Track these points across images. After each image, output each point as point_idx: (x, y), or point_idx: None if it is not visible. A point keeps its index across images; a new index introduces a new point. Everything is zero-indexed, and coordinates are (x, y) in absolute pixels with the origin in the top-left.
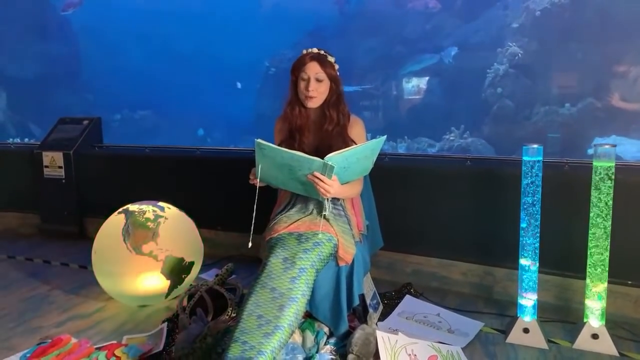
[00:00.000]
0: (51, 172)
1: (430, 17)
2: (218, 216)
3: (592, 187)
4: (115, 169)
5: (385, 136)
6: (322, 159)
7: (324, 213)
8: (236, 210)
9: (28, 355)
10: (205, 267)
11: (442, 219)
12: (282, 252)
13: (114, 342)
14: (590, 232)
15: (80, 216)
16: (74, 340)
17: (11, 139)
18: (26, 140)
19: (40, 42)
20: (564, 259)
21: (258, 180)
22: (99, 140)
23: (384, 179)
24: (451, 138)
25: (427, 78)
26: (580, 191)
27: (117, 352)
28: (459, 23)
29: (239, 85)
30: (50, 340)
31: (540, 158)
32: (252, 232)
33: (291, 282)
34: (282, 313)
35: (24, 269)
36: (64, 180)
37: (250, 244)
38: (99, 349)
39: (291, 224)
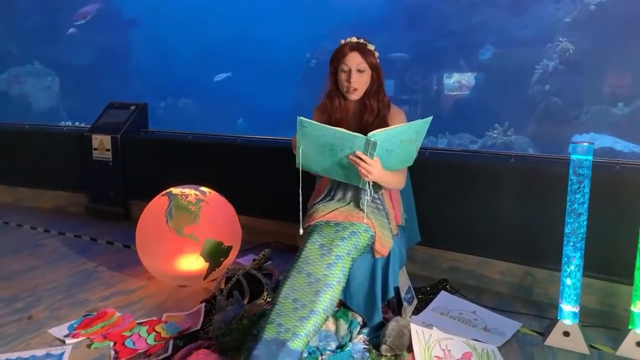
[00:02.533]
0: (99, 155)
1: (477, 10)
2: (256, 203)
3: None
4: (159, 153)
5: (432, 117)
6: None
7: (364, 197)
8: (273, 199)
9: (75, 325)
10: (242, 253)
11: (482, 216)
12: (319, 239)
13: (155, 318)
14: None
15: (125, 198)
16: (117, 314)
17: (63, 122)
18: (77, 123)
19: (92, 30)
20: (610, 262)
21: (301, 166)
22: (144, 125)
23: (424, 173)
24: (494, 135)
25: (470, 73)
26: (632, 193)
27: (157, 327)
28: (506, 16)
29: (220, 77)
30: (95, 313)
31: (590, 157)
32: (301, 218)
33: (327, 269)
34: (318, 298)
35: (72, 246)
36: (111, 163)
37: (301, 231)
38: (140, 323)
39: (329, 212)
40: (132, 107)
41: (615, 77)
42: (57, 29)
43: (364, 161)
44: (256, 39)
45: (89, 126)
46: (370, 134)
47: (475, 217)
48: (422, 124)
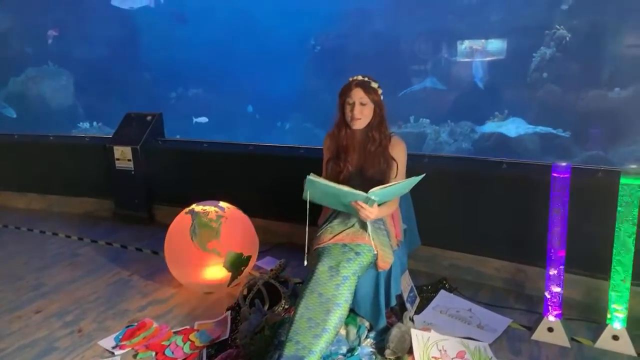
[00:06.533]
0: (122, 165)
1: None
2: (269, 207)
3: (619, 201)
4: (177, 161)
5: (425, 174)
6: (366, 192)
7: (368, 231)
8: (285, 203)
9: (120, 336)
10: (260, 254)
11: (479, 219)
12: (328, 261)
13: (188, 327)
14: (615, 235)
15: (149, 203)
16: (155, 325)
17: (81, 123)
18: (94, 123)
19: (101, 26)
20: (593, 260)
21: (308, 200)
22: (161, 134)
23: (424, 179)
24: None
25: (471, 60)
26: (611, 197)
27: (191, 336)
28: (505, 2)
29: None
30: (136, 324)
31: (568, 175)
32: (306, 248)
33: (336, 289)
34: (329, 317)
35: (105, 254)
36: (133, 172)
37: (305, 262)
38: (176, 333)
39: (336, 235)
40: (149, 118)
41: (611, 63)
42: (66, 28)
43: (364, 208)
44: (261, 27)
45: (109, 135)
46: (370, 192)
47: (472, 219)
48: (415, 180)
